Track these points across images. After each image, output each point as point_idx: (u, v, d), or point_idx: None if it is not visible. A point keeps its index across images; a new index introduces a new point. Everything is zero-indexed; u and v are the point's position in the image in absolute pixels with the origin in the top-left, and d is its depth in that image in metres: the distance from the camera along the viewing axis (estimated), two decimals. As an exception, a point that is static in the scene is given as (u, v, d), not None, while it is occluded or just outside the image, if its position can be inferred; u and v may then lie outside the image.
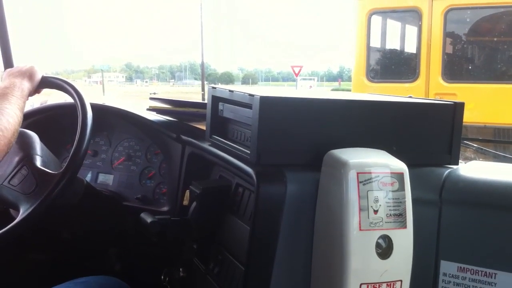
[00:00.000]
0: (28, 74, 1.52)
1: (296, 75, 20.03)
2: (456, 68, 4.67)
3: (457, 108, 1.30)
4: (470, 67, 4.72)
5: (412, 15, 4.51)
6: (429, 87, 4.61)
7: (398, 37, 4.99)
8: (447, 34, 4.50)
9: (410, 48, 4.74)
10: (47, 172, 1.49)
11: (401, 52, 5.06)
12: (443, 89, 4.49)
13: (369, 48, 4.85)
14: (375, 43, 4.92)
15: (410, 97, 1.50)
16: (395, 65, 4.94)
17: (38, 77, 1.55)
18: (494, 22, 4.51)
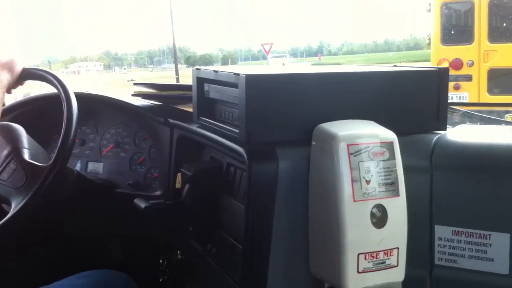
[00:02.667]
0: (8, 66, 1.49)
1: (267, 53, 19.72)
2: (495, 34, 7.46)
3: (442, 74, 1.31)
4: (503, 33, 7.67)
5: (469, 4, 7.42)
6: (480, 47, 7.34)
7: (461, 16, 7.98)
8: (489, 14, 7.32)
9: (468, 22, 7.64)
10: (36, 164, 1.48)
11: (463, 25, 7.88)
12: (489, 47, 7.29)
13: (443, 25, 7.68)
14: (447, 21, 7.81)
15: (395, 65, 1.50)
16: (458, 34, 7.78)
17: (19, 69, 1.53)
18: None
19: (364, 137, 1.09)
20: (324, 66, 1.93)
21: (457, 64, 7.39)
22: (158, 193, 1.77)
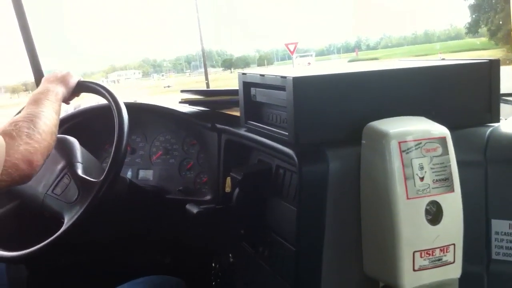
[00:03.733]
0: (63, 80, 1.56)
1: (292, 52, 19.18)
2: None
3: (493, 65, 1.28)
4: None
5: None
6: None
7: None
8: None
9: None
10: (89, 180, 1.52)
11: None
12: None
13: None
14: None
15: (443, 59, 1.47)
16: None
17: (73, 82, 1.59)
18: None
19: (415, 134, 1.08)
20: (363, 62, 1.92)
21: None
22: (208, 197, 1.79)
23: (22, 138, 1.25)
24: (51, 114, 1.39)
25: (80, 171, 1.55)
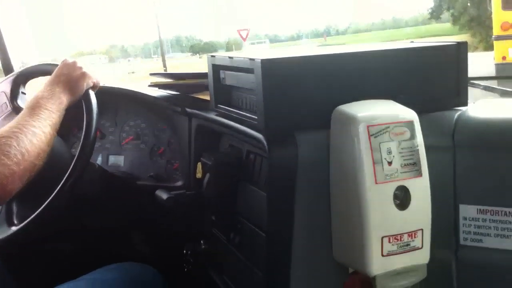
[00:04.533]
0: (76, 84, 1.43)
1: (244, 39, 18.67)
2: None
3: (461, 48, 1.27)
4: None
5: None
6: None
7: None
8: None
9: None
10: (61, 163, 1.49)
11: None
12: None
13: None
14: None
15: (412, 42, 1.47)
16: None
17: (86, 86, 1.46)
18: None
19: (383, 117, 1.06)
20: (333, 46, 1.91)
21: None
22: (179, 183, 1.77)
23: (1, 157, 1.13)
24: (44, 128, 1.26)
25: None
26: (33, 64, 1.60)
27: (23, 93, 1.64)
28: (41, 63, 1.61)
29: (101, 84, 1.58)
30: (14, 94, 1.63)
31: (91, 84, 1.49)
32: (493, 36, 9.75)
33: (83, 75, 1.45)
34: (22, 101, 1.62)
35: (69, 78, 1.42)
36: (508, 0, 8.99)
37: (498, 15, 9.21)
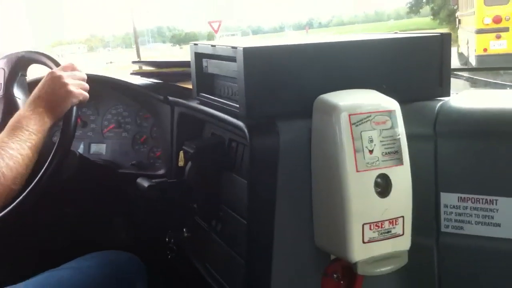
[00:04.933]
0: (62, 101, 1.35)
1: (216, 31, 18.03)
2: None
3: (444, 39, 1.28)
4: None
5: None
6: None
7: None
8: None
9: None
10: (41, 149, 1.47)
11: None
12: None
13: None
14: None
15: (396, 33, 1.47)
16: None
17: (72, 104, 1.38)
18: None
19: (365, 107, 1.07)
20: (316, 35, 1.91)
21: (497, 19, 10.00)
22: (161, 172, 1.77)
23: None
24: (22, 151, 1.21)
25: None
26: (38, 50, 1.57)
27: (23, 75, 1.60)
28: (46, 53, 1.57)
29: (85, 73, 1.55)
30: (12, 75, 1.58)
31: (77, 102, 1.39)
32: (474, 29, 10.29)
33: (69, 94, 1.35)
34: (19, 84, 1.58)
35: (53, 97, 1.34)
36: None
37: (481, 10, 10.12)
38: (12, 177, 1.17)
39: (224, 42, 1.32)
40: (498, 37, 10.01)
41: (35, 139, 1.26)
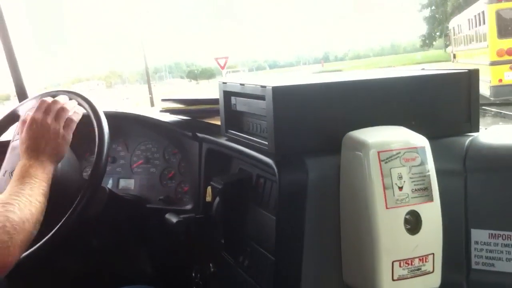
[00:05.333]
0: (55, 149, 1.38)
1: (222, 68, 17.94)
2: None
3: (472, 75, 1.29)
4: None
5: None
6: None
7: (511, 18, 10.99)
8: None
9: None
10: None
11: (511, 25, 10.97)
12: None
13: (497, 25, 10.89)
14: (500, 22, 10.94)
15: (423, 69, 1.48)
16: (509, 30, 10.81)
17: (65, 149, 1.42)
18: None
19: (394, 143, 1.07)
20: (344, 73, 1.92)
21: (510, 51, 10.85)
22: (189, 207, 1.78)
23: (5, 224, 1.12)
24: (38, 197, 1.25)
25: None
26: (55, 89, 1.62)
27: None
28: (62, 89, 1.62)
29: (114, 110, 1.59)
30: None
31: (70, 139, 1.43)
32: (489, 62, 10.95)
33: (57, 137, 1.39)
34: None
35: (44, 145, 1.37)
36: (503, 30, 11.04)
37: (494, 43, 11.08)
38: (33, 222, 1.20)
39: (252, 80, 1.34)
40: (512, 69, 10.95)
41: (45, 186, 1.30)
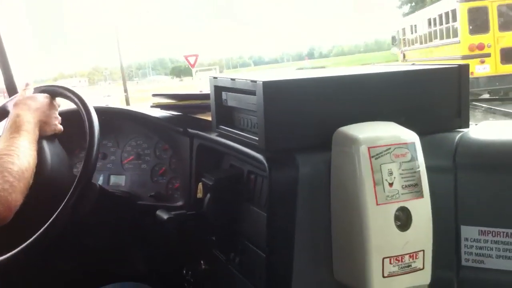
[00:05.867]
0: (29, 107, 1.45)
1: (192, 66, 17.88)
2: (502, 26, 11.66)
3: (462, 71, 1.29)
4: (508, 25, 11.75)
5: (485, 8, 11.57)
6: (494, 35, 11.44)
7: (480, 15, 11.79)
8: (498, 13, 11.54)
9: (485, 19, 11.69)
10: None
11: (482, 21, 11.76)
12: (499, 35, 11.41)
13: (469, 22, 11.78)
14: (471, 19, 11.81)
15: (414, 64, 1.48)
16: (479, 27, 11.73)
17: (38, 103, 1.48)
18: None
19: (384, 139, 1.07)
20: (333, 68, 1.92)
21: (481, 46, 11.66)
22: (180, 203, 1.77)
23: (4, 174, 1.20)
24: (30, 148, 1.34)
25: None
26: (46, 84, 1.61)
27: None
28: (53, 84, 1.61)
29: (105, 105, 1.58)
30: None
31: (37, 97, 1.50)
32: (461, 56, 11.87)
33: (27, 98, 1.47)
34: None
35: (39, 115, 1.45)
36: (474, 27, 11.89)
37: (466, 39, 11.98)
38: (31, 171, 1.29)
39: (243, 76, 1.34)
40: (482, 62, 11.49)
41: (36, 140, 1.39)
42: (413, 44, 15.86)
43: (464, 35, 11.96)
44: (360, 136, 1.08)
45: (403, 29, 16.98)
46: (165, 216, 1.46)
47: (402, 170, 1.07)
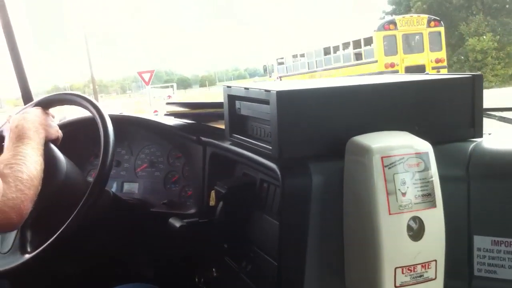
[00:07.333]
0: (31, 120, 1.46)
1: (147, 83, 17.31)
2: (406, 50, 17.62)
3: (476, 80, 1.29)
4: (409, 49, 17.54)
5: (393, 36, 17.35)
6: (400, 56, 17.32)
7: (391, 41, 17.31)
8: (403, 40, 17.36)
9: (395, 44, 17.38)
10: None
11: (393, 46, 17.22)
12: (404, 56, 17.37)
13: (384, 47, 17.18)
14: (386, 45, 17.19)
15: (427, 73, 1.48)
16: (391, 50, 17.33)
17: (34, 118, 1.49)
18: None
19: (398, 149, 1.07)
20: (354, 77, 1.91)
21: (392, 64, 16.81)
22: (192, 211, 1.78)
23: (16, 183, 1.23)
24: (36, 154, 1.36)
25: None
26: (62, 92, 1.63)
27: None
28: (59, 92, 1.63)
29: (119, 113, 1.59)
30: None
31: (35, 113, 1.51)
32: (377, 72, 14.42)
33: (24, 116, 1.48)
34: None
35: (36, 126, 1.45)
36: (387, 50, 17.02)
37: (382, 59, 16.86)
38: (39, 178, 1.32)
39: (257, 85, 1.35)
40: (393, 77, 16.18)
41: (41, 147, 1.40)
42: (299, 69, 21.21)
43: (381, 56, 17.02)
44: (373, 145, 1.08)
45: (292, 57, 22.47)
46: (177, 223, 1.47)
47: (415, 179, 1.07)
